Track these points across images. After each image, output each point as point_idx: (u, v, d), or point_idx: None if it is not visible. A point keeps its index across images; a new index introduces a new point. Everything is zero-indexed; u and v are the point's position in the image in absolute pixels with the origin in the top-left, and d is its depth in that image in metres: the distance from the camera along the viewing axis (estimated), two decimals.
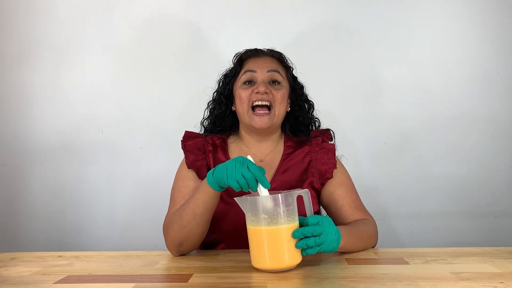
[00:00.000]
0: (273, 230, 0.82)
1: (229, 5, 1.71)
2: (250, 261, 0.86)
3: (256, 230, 0.83)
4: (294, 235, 0.83)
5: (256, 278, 0.81)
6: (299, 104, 1.22)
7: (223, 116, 1.21)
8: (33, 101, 1.72)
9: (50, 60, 1.72)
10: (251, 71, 1.14)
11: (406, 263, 0.90)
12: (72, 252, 1.05)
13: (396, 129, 1.69)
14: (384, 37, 1.69)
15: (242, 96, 1.12)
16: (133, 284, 0.78)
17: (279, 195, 0.82)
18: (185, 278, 0.82)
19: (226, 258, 0.97)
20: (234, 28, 1.70)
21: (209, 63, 1.67)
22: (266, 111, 1.12)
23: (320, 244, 0.84)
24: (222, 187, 0.91)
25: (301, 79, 1.27)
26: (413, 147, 1.68)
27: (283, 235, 0.82)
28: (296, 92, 1.22)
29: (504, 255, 0.96)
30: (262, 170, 0.86)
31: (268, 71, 1.13)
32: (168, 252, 1.04)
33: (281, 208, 0.82)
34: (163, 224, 1.07)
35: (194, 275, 0.83)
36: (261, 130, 1.13)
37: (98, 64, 1.72)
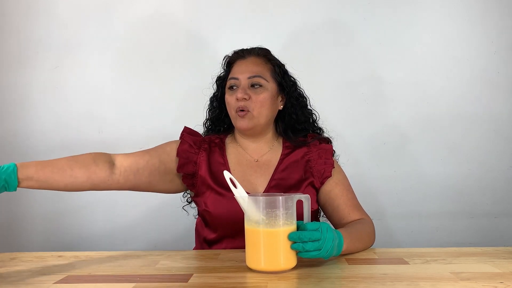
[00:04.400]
0: (270, 232, 0.82)
1: (228, 5, 1.71)
2: None
3: (253, 231, 0.83)
4: (289, 237, 0.83)
5: (256, 278, 0.81)
6: (291, 102, 1.21)
7: (219, 118, 1.24)
8: (33, 101, 1.72)
9: (50, 60, 1.72)
10: (234, 78, 1.15)
11: (406, 263, 0.90)
12: (72, 252, 1.05)
13: (396, 129, 1.69)
14: (384, 37, 1.69)
15: (228, 101, 1.16)
16: (133, 284, 0.78)
17: (280, 197, 0.82)
18: (185, 278, 0.82)
19: (226, 258, 0.97)
20: (233, 28, 1.70)
21: (209, 62, 1.66)
22: (244, 113, 1.12)
23: (319, 250, 0.83)
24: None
25: (297, 76, 1.25)
26: (413, 147, 1.68)
27: (280, 238, 0.82)
28: (287, 90, 1.20)
29: (504, 255, 0.96)
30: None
31: (249, 77, 1.13)
32: (168, 252, 1.04)
33: (280, 211, 0.82)
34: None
35: (194, 275, 0.83)
36: (245, 131, 1.15)
37: (98, 64, 1.72)
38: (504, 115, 1.67)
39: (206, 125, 1.29)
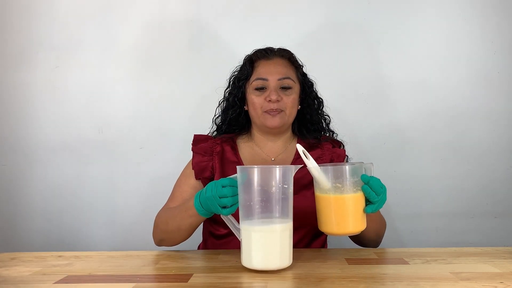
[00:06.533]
0: (339, 198, 0.88)
1: (229, 5, 1.71)
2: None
3: (324, 197, 0.89)
4: (362, 177, 0.89)
5: (256, 278, 0.81)
6: (308, 102, 1.25)
7: (237, 118, 1.25)
8: (33, 101, 1.72)
9: (50, 60, 1.72)
10: (263, 79, 1.16)
11: (406, 263, 0.90)
12: (72, 252, 1.05)
13: (396, 129, 1.68)
14: (384, 37, 1.69)
15: (255, 103, 1.17)
16: (133, 284, 0.78)
17: (347, 167, 0.88)
18: (185, 278, 0.82)
19: (226, 258, 0.97)
20: (235, 29, 1.70)
21: (209, 62, 1.68)
22: (278, 112, 1.16)
23: (377, 202, 0.91)
24: (212, 213, 0.94)
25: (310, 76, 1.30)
26: (413, 147, 1.68)
27: (349, 203, 0.88)
28: (306, 90, 1.25)
29: (504, 255, 0.96)
30: (231, 180, 0.88)
31: (279, 79, 1.16)
32: (168, 252, 1.04)
33: (348, 179, 0.88)
34: (157, 214, 1.12)
35: (194, 275, 0.84)
36: (274, 129, 1.17)
37: (98, 64, 1.72)
38: (504, 115, 1.67)
39: (218, 123, 1.30)
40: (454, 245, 1.47)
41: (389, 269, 0.86)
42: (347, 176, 0.88)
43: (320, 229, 0.92)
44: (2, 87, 1.72)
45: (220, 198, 0.87)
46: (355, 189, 0.88)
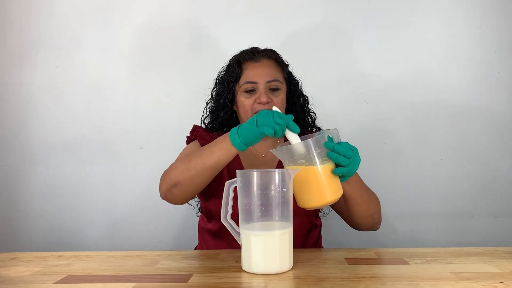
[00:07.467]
0: (309, 170, 0.87)
1: (229, 5, 1.71)
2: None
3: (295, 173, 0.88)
4: (325, 144, 0.89)
5: (256, 278, 0.81)
6: (293, 100, 1.28)
7: (229, 119, 1.28)
8: (33, 101, 1.72)
9: (50, 60, 1.72)
10: (252, 82, 1.18)
11: (406, 263, 0.90)
12: (72, 252, 1.05)
13: (396, 129, 1.69)
14: (384, 37, 1.69)
15: (245, 105, 1.18)
16: (133, 284, 0.78)
17: (310, 140, 0.88)
18: (185, 278, 0.82)
19: (226, 258, 0.97)
20: (234, 28, 1.70)
21: (209, 62, 1.67)
22: None
23: (350, 165, 0.90)
24: (247, 144, 0.94)
25: (297, 74, 1.31)
26: (413, 147, 1.68)
27: (320, 173, 0.88)
28: (291, 88, 1.27)
29: (504, 255, 0.96)
30: (290, 117, 0.91)
31: (268, 81, 1.18)
32: (168, 252, 1.04)
33: (314, 151, 0.88)
34: (165, 170, 1.07)
35: (194, 275, 0.83)
36: None
37: (98, 64, 1.72)
38: (504, 115, 1.67)
39: (207, 124, 1.32)
40: (454, 245, 1.47)
41: (389, 269, 0.86)
42: (312, 148, 0.88)
43: (300, 206, 0.91)
44: (2, 87, 1.72)
45: (275, 123, 0.89)
46: (323, 159, 0.89)
